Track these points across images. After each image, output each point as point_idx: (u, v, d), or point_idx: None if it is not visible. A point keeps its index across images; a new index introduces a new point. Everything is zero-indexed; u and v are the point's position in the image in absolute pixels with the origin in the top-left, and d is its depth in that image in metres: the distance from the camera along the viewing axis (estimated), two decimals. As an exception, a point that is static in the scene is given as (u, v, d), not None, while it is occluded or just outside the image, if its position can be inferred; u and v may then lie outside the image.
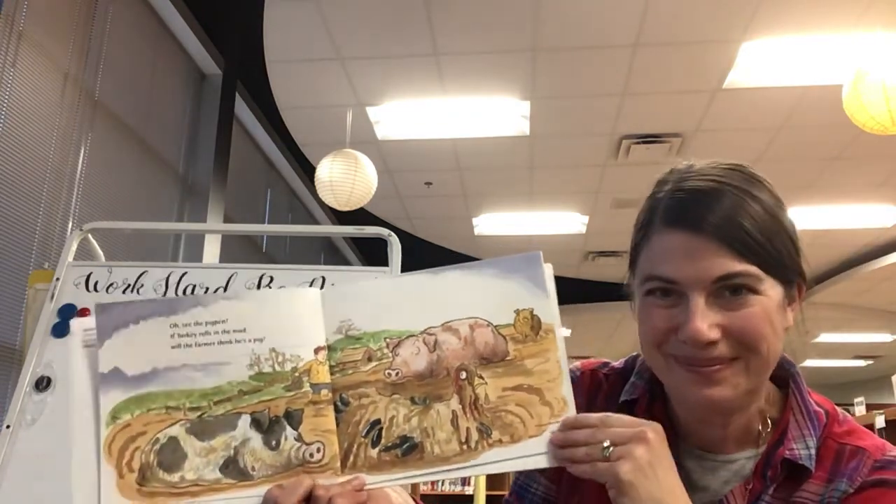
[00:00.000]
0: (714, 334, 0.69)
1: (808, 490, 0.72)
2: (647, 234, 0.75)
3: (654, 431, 0.66)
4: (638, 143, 5.08)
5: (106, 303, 0.76)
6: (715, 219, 0.69)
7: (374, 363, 0.71)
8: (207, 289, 1.57)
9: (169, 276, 1.59)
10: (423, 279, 0.73)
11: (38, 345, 1.50)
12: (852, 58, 3.85)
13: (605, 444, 0.65)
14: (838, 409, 0.78)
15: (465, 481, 6.17)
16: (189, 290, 1.58)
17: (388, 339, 0.72)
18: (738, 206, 0.70)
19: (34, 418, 1.48)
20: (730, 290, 0.69)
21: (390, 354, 0.71)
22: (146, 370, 0.73)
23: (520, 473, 0.87)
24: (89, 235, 1.71)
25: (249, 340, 0.72)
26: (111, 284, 1.58)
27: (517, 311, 0.72)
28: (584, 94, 4.54)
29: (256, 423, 0.70)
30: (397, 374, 0.71)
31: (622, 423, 0.67)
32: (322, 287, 1.57)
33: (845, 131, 4.50)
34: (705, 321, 0.68)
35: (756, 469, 0.74)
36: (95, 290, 1.57)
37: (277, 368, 0.71)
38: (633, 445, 0.64)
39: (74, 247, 1.63)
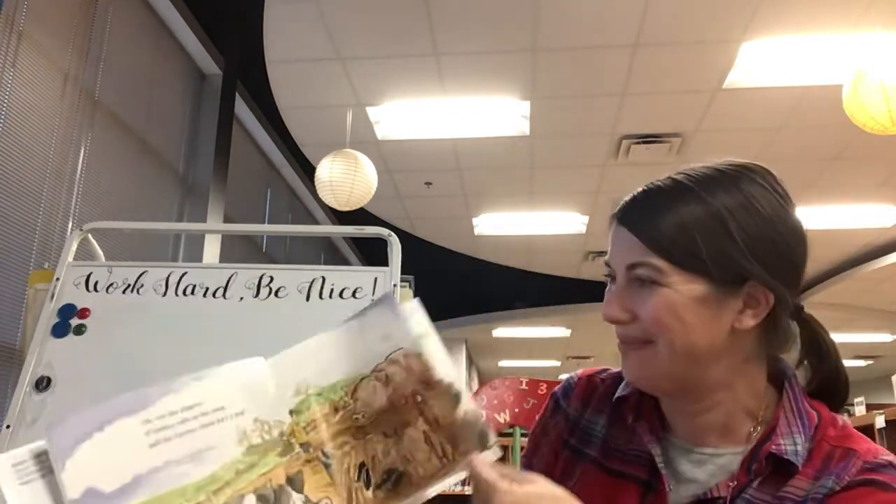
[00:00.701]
0: (623, 316, 0.77)
1: (794, 486, 0.72)
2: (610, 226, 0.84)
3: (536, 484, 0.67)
4: (638, 143, 5.09)
5: (54, 422, 0.66)
6: (636, 215, 0.77)
7: (340, 412, 0.73)
8: (207, 289, 1.57)
9: (169, 276, 1.59)
10: (349, 326, 0.76)
11: (38, 345, 1.50)
12: (852, 58, 3.85)
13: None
14: (837, 416, 0.79)
15: (464, 481, 6.19)
16: (189, 290, 1.58)
17: (344, 388, 0.74)
18: (665, 205, 0.75)
19: (34, 418, 1.48)
20: (639, 281, 0.76)
21: (351, 400, 0.73)
22: (127, 481, 0.64)
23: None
24: (89, 235, 1.71)
25: (231, 416, 0.70)
26: (111, 284, 1.58)
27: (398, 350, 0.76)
28: (584, 94, 4.54)
29: (263, 499, 0.68)
30: (363, 415, 0.73)
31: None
32: (322, 286, 1.57)
33: (845, 131, 4.51)
34: (615, 303, 0.77)
35: (742, 463, 0.75)
36: (95, 290, 1.57)
37: (266, 437, 0.70)
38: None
39: (74, 247, 1.63)
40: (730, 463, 0.76)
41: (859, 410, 4.31)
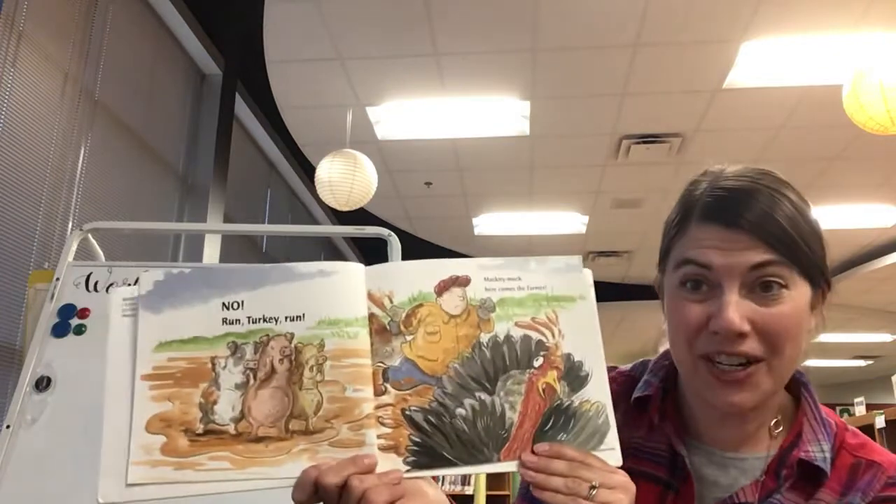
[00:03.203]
0: (745, 326, 0.69)
1: (821, 499, 0.72)
2: (682, 229, 0.76)
3: (632, 485, 0.66)
4: (638, 143, 5.09)
5: (149, 272, 0.72)
6: (751, 215, 0.70)
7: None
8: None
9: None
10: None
11: (38, 345, 1.50)
12: (852, 58, 3.85)
13: (594, 484, 0.64)
14: (844, 421, 0.80)
15: (464, 481, 6.18)
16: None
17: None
18: (773, 204, 0.71)
19: (34, 418, 1.49)
20: (762, 286, 0.70)
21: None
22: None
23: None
24: (89, 235, 1.71)
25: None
26: (111, 284, 1.58)
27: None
28: (584, 94, 4.54)
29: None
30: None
31: (605, 466, 0.66)
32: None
33: (845, 131, 4.50)
34: (736, 311, 0.69)
35: (769, 467, 0.74)
36: (95, 290, 1.58)
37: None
38: (621, 494, 0.64)
39: (74, 247, 1.63)
40: (752, 467, 0.76)
41: (859, 410, 4.32)
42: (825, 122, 4.68)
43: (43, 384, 1.48)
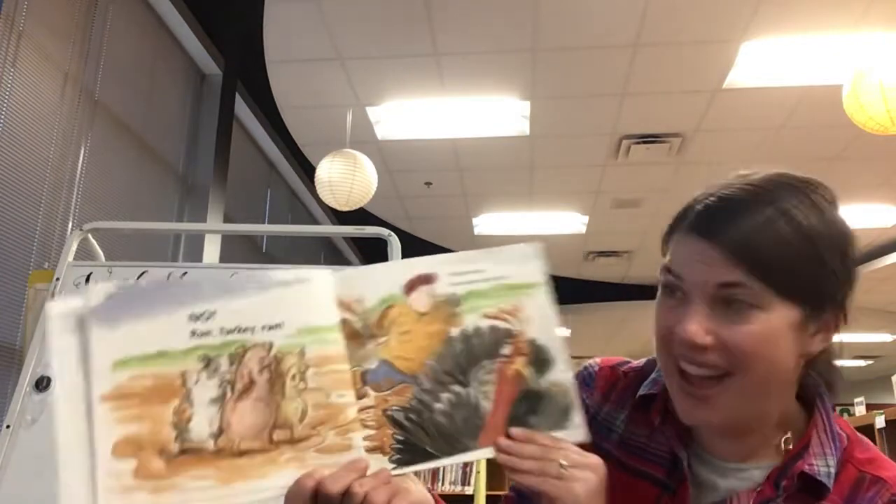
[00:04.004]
0: (706, 340, 0.69)
1: None
2: (672, 235, 0.76)
3: (603, 467, 0.69)
4: (638, 143, 5.09)
5: (97, 285, 0.67)
6: (733, 231, 0.69)
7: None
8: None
9: (169, 276, 1.60)
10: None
11: (38, 345, 1.50)
12: (852, 58, 3.85)
13: (563, 463, 0.67)
14: (862, 436, 0.78)
15: (465, 481, 6.17)
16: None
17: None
18: (761, 222, 0.69)
19: (34, 418, 1.48)
20: (730, 302, 0.69)
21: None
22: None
23: None
24: (89, 235, 1.71)
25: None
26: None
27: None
28: (584, 94, 4.54)
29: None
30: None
31: (575, 449, 0.69)
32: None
33: (845, 131, 4.50)
34: (699, 324, 0.69)
35: (770, 476, 0.73)
36: (95, 290, 1.58)
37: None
38: (590, 472, 0.67)
39: (74, 247, 1.64)
40: (753, 476, 0.75)
41: (859, 410, 4.32)
42: (825, 122, 4.68)
43: (43, 384, 1.48)
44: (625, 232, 6.85)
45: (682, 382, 0.72)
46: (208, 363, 0.65)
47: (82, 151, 2.93)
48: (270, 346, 0.67)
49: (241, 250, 4.58)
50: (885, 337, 10.02)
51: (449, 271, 0.73)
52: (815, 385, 0.78)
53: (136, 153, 3.41)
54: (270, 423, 0.65)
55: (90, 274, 1.58)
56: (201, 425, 0.64)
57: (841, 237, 0.71)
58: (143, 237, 3.37)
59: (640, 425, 0.82)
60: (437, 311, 0.71)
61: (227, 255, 4.09)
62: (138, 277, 1.57)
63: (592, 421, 0.85)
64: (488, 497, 4.06)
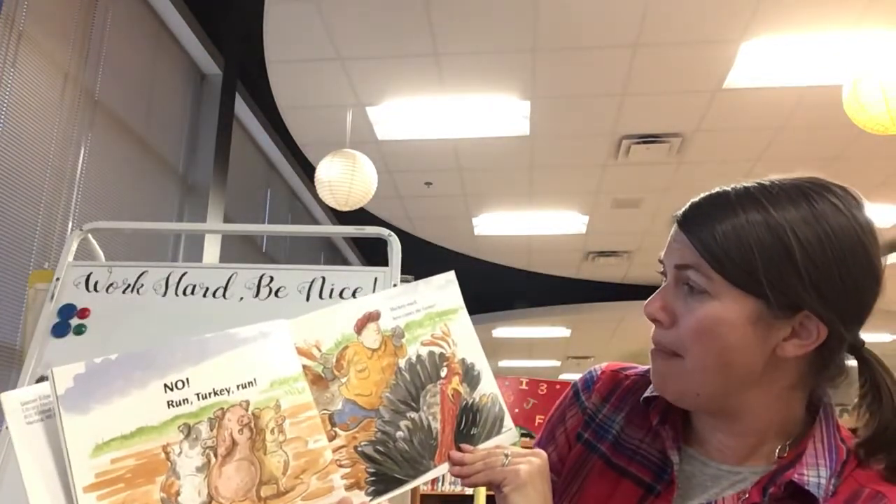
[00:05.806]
0: (661, 316, 0.74)
1: None
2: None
3: (543, 453, 0.77)
4: (638, 143, 5.09)
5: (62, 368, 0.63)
6: (695, 220, 0.73)
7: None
8: (207, 289, 1.57)
9: (169, 276, 1.59)
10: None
11: (38, 345, 1.50)
12: (852, 58, 3.85)
13: (507, 454, 0.75)
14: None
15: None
16: (189, 290, 1.58)
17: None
18: (726, 214, 0.71)
19: (34, 418, 1.48)
20: (691, 287, 0.72)
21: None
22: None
23: None
24: (89, 235, 1.70)
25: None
26: (111, 284, 1.58)
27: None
28: (584, 94, 4.54)
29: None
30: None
31: (518, 449, 0.77)
32: (322, 286, 1.58)
33: (845, 131, 4.50)
34: (658, 301, 0.75)
35: (759, 482, 0.72)
36: (95, 290, 1.57)
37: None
38: (530, 457, 0.75)
39: (74, 247, 1.63)
40: (744, 481, 0.75)
41: (859, 410, 4.31)
42: (825, 122, 4.68)
43: (43, 384, 1.48)
44: (625, 232, 6.85)
45: (651, 356, 0.77)
46: (189, 432, 0.64)
47: (82, 151, 2.93)
48: (247, 403, 0.68)
49: (241, 250, 4.58)
50: (885, 337, 10.01)
51: (389, 306, 0.79)
52: (822, 396, 0.77)
53: (136, 153, 3.41)
54: (256, 480, 0.66)
55: (90, 274, 1.58)
56: (190, 496, 0.63)
57: (833, 244, 0.69)
58: (143, 237, 3.37)
59: (638, 427, 0.83)
60: (386, 345, 0.77)
61: (227, 255, 4.09)
62: (138, 277, 1.57)
63: (590, 422, 0.87)
64: (488, 497, 4.06)
